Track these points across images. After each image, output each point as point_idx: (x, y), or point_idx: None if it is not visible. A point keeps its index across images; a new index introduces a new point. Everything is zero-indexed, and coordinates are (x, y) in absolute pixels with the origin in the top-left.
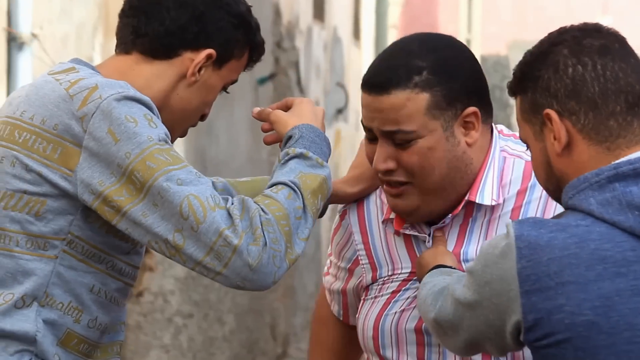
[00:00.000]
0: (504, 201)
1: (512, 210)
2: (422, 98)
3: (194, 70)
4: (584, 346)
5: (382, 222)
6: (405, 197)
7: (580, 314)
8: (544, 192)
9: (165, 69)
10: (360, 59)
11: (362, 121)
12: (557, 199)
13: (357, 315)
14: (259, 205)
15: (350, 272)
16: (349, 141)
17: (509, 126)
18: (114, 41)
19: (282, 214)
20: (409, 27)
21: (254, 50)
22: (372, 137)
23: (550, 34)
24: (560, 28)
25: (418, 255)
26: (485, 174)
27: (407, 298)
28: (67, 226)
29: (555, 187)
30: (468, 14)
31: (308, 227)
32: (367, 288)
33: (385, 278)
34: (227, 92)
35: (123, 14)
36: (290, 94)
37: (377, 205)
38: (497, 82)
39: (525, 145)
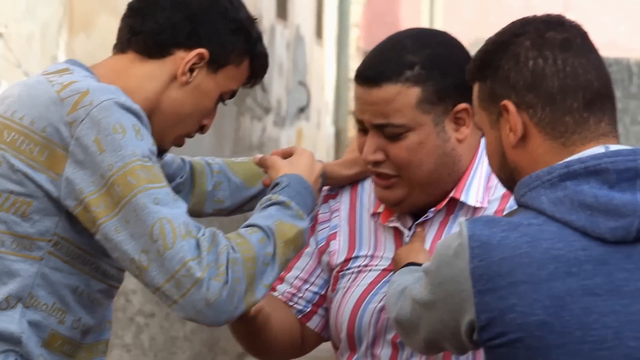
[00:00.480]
0: (488, 203)
1: (495, 213)
2: (413, 92)
3: (184, 69)
4: (536, 346)
5: (372, 215)
6: (392, 189)
7: (532, 313)
8: None
9: (158, 68)
10: (323, 57)
11: (354, 112)
12: (510, 188)
13: (329, 305)
14: (230, 242)
15: (319, 254)
16: (310, 139)
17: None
18: (79, 39)
19: (251, 256)
20: (371, 25)
21: (255, 60)
22: (363, 129)
23: (513, 24)
24: (523, 18)
25: None
26: (473, 173)
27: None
28: (53, 227)
29: (507, 177)
30: (430, 12)
31: (273, 275)
32: (336, 276)
33: (362, 267)
34: (225, 104)
35: (124, 17)
36: (253, 92)
37: (370, 194)
38: None
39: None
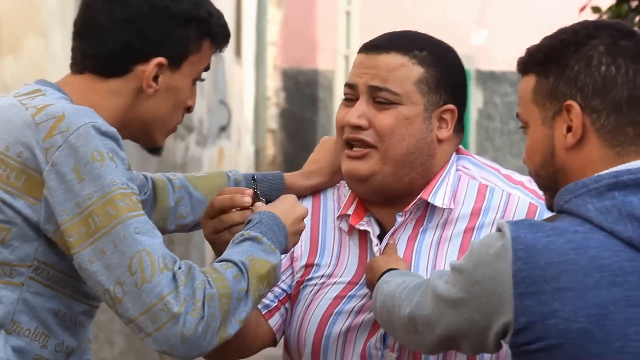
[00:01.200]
0: (457, 219)
1: (465, 230)
2: (417, 70)
3: (148, 82)
4: (576, 353)
5: (338, 217)
6: (365, 160)
7: (575, 321)
8: (497, 215)
9: (121, 85)
10: (242, 76)
11: (346, 84)
12: (545, 187)
13: (290, 313)
14: (206, 277)
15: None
16: (231, 158)
17: None
18: (6, 61)
19: (226, 292)
20: (288, 43)
21: (214, 38)
22: (352, 97)
23: (585, 25)
24: (594, 21)
25: (368, 260)
26: (441, 179)
27: (354, 306)
28: (33, 253)
29: (548, 175)
30: (346, 30)
31: (247, 311)
32: (298, 286)
33: (325, 278)
34: (203, 80)
35: (73, 38)
36: None
37: (335, 200)
38: None
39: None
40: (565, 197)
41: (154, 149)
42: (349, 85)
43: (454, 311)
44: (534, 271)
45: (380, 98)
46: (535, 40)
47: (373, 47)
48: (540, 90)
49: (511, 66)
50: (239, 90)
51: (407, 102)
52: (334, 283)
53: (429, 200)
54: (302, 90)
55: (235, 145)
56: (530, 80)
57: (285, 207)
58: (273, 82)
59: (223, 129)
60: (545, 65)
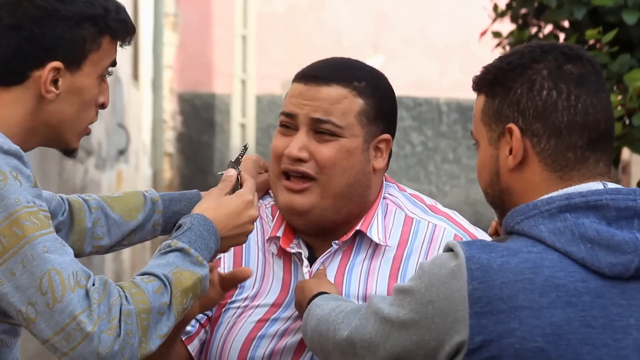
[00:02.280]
0: (385, 248)
1: (393, 259)
2: (358, 102)
3: (46, 87)
4: None
5: (268, 239)
6: (306, 194)
7: (531, 340)
8: (424, 245)
9: (21, 93)
10: (140, 99)
11: (283, 113)
12: (493, 204)
13: (209, 336)
14: (124, 292)
15: None
16: (130, 182)
17: None
18: None
19: (145, 307)
20: (185, 67)
21: (114, 33)
22: (290, 126)
23: (532, 48)
24: (544, 44)
25: (292, 282)
26: (377, 211)
27: (278, 330)
28: None
29: (495, 194)
30: (243, 54)
31: (168, 325)
32: (220, 307)
33: (248, 300)
34: (110, 74)
35: None
36: None
37: (257, 224)
38: (272, 122)
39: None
40: (516, 218)
41: (69, 151)
42: (288, 115)
43: (402, 332)
44: (491, 290)
45: (322, 130)
46: (430, 65)
47: (313, 77)
48: (487, 111)
49: (406, 91)
50: (136, 114)
51: (348, 135)
52: (257, 306)
53: (367, 233)
54: (199, 114)
55: (134, 169)
56: (480, 100)
57: (230, 209)
58: (170, 106)
59: (121, 152)
60: (493, 86)
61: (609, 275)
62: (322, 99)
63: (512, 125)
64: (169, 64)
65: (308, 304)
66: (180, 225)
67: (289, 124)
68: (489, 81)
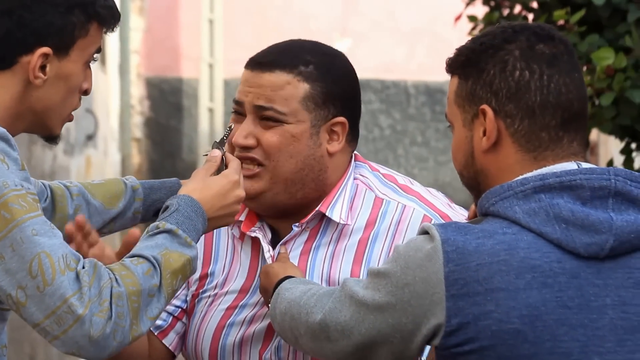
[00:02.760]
0: (351, 231)
1: (359, 242)
2: (302, 87)
3: (35, 73)
4: (507, 354)
5: (232, 223)
6: (255, 179)
7: (508, 321)
8: (391, 227)
9: (8, 78)
10: (108, 84)
11: (234, 100)
12: (469, 186)
13: (187, 327)
14: (114, 274)
15: None
16: (98, 167)
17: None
18: None
19: (135, 289)
20: (152, 51)
21: (102, 20)
22: (239, 112)
23: (504, 28)
24: (515, 24)
25: (259, 267)
26: (339, 193)
27: (246, 317)
28: None
29: (470, 176)
30: (210, 38)
31: (159, 307)
32: (193, 299)
33: (218, 288)
34: (95, 60)
35: None
36: None
37: None
38: None
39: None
40: (491, 200)
41: (52, 137)
42: (236, 102)
43: (377, 315)
44: (466, 272)
45: (266, 116)
46: (398, 48)
47: (257, 64)
48: (461, 92)
49: (375, 74)
50: (104, 99)
51: (293, 121)
52: (226, 293)
53: (326, 214)
54: (166, 99)
55: (102, 154)
56: (453, 82)
57: (217, 189)
58: (137, 91)
59: (90, 137)
60: (465, 68)
61: (584, 255)
62: (264, 85)
63: (485, 107)
64: (135, 49)
65: (275, 287)
66: (167, 207)
67: (238, 110)
68: (462, 63)
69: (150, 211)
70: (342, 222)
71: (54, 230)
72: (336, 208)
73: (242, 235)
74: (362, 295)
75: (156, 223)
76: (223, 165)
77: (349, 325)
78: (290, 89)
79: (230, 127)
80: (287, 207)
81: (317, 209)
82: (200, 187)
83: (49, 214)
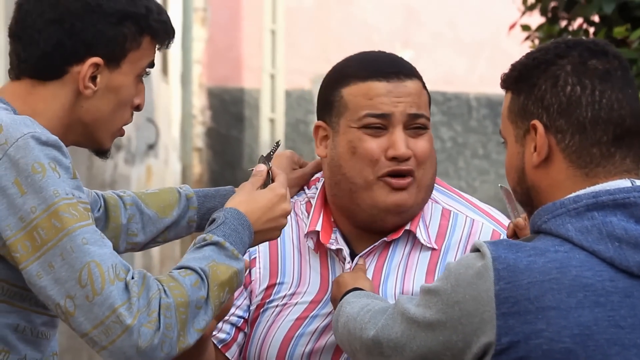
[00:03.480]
0: (422, 244)
1: (432, 253)
2: (425, 93)
3: (84, 83)
4: None
5: (306, 234)
6: (408, 190)
7: (559, 340)
8: (462, 240)
9: (59, 87)
10: (169, 94)
11: (370, 115)
12: (522, 202)
13: (248, 338)
14: (162, 285)
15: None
16: (159, 176)
17: (312, 157)
18: None
19: (184, 300)
20: (214, 62)
21: (155, 33)
22: (382, 127)
23: (558, 44)
24: (570, 40)
25: (330, 278)
26: (430, 210)
27: (317, 327)
28: None
29: (523, 191)
30: (272, 49)
31: (206, 319)
32: (258, 309)
33: (287, 298)
34: (147, 74)
35: (9, 41)
36: None
37: (291, 217)
38: (301, 117)
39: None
40: (543, 217)
41: (101, 152)
42: (379, 116)
43: (428, 333)
44: (517, 291)
45: (417, 124)
46: (459, 60)
47: (394, 74)
48: (513, 108)
49: (436, 86)
50: (166, 109)
51: (429, 126)
52: (296, 303)
53: (416, 234)
54: (227, 109)
55: (163, 164)
56: (507, 98)
57: (263, 203)
58: (199, 101)
59: (151, 147)
60: (518, 83)
61: (638, 274)
62: (412, 93)
63: (536, 122)
64: (198, 59)
65: (341, 299)
66: (214, 220)
67: (381, 124)
68: (515, 78)
69: (204, 219)
70: (426, 244)
71: (104, 240)
72: (421, 227)
73: (317, 246)
74: (414, 313)
75: (203, 235)
76: (269, 180)
77: (401, 342)
78: (424, 94)
79: (277, 143)
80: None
81: (407, 227)
82: (247, 200)
83: (102, 224)
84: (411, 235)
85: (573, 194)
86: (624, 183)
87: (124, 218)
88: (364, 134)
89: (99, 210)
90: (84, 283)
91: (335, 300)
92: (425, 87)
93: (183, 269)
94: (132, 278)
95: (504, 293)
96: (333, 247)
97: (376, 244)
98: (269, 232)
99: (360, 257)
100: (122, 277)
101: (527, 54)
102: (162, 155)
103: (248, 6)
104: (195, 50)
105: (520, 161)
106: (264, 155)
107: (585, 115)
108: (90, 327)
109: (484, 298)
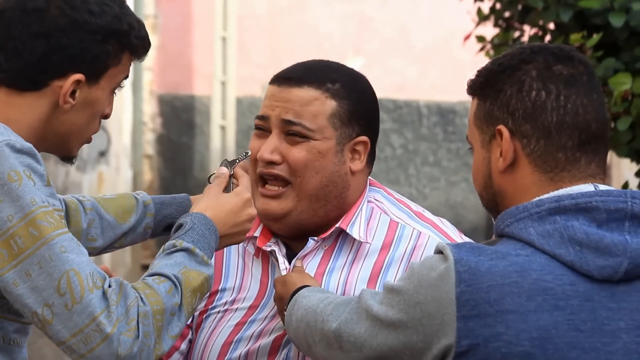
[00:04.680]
0: (367, 252)
1: (374, 264)
2: (330, 104)
3: (65, 98)
4: None
5: (246, 240)
6: (281, 199)
7: (517, 344)
8: (407, 252)
9: (36, 99)
10: (121, 101)
11: (257, 116)
12: (489, 208)
13: (192, 344)
14: (138, 293)
15: None
16: (110, 183)
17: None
18: None
19: (160, 308)
20: (165, 69)
21: (133, 51)
22: (264, 129)
23: (523, 49)
24: (535, 45)
25: (270, 283)
26: (357, 212)
27: (254, 332)
28: None
29: (489, 197)
30: (223, 56)
31: (179, 326)
32: (201, 316)
33: (228, 304)
34: (122, 87)
35: None
36: None
37: None
38: (252, 124)
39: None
40: (506, 221)
41: (68, 158)
42: (261, 117)
43: (390, 332)
44: (478, 294)
45: (293, 132)
46: (411, 67)
47: (285, 79)
48: (479, 113)
49: (387, 93)
50: (117, 115)
51: (319, 137)
52: (236, 309)
53: (347, 230)
54: (178, 116)
55: (114, 170)
56: (473, 104)
57: (229, 207)
58: (150, 108)
59: (102, 154)
60: (484, 89)
61: (598, 278)
62: (292, 100)
63: (501, 127)
64: (148, 66)
65: (292, 295)
66: (181, 225)
67: (262, 126)
68: (481, 84)
69: (160, 226)
70: (361, 239)
71: (80, 248)
72: (355, 226)
73: (258, 251)
74: (377, 310)
75: (172, 241)
76: (231, 184)
77: (362, 338)
78: (318, 105)
79: (246, 153)
80: (309, 225)
81: (337, 225)
82: (213, 205)
83: None
84: (349, 241)
85: (536, 198)
86: (587, 187)
87: (84, 222)
88: (253, 134)
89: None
90: (63, 291)
91: (282, 299)
92: (338, 98)
93: (156, 276)
94: (110, 286)
95: (464, 296)
96: (268, 249)
97: (310, 244)
98: (234, 236)
99: (297, 259)
100: (99, 285)
101: (492, 60)
102: (113, 162)
103: (199, 13)
104: (147, 57)
105: (487, 167)
106: (228, 160)
107: (550, 120)
108: (69, 335)
109: (445, 300)
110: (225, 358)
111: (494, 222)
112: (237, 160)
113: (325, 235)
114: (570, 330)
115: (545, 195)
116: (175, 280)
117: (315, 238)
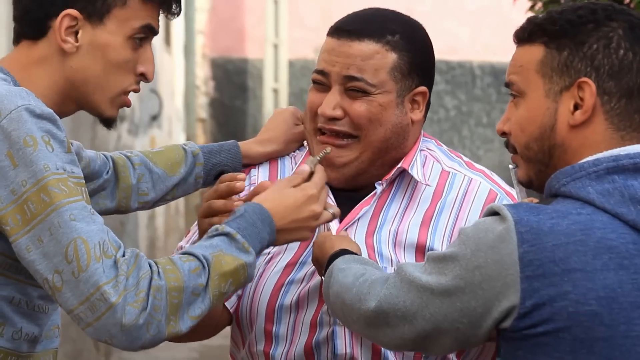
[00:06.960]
0: (420, 198)
1: (426, 210)
2: (391, 57)
3: (61, 36)
4: (583, 337)
5: None
6: (345, 149)
7: (585, 303)
8: (459, 196)
9: (46, 46)
10: (173, 64)
11: (317, 66)
12: (535, 159)
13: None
14: (157, 267)
15: None
16: None
17: None
18: None
19: (178, 285)
20: (216, 32)
21: None
22: (323, 84)
23: (602, 6)
24: (607, 4)
25: (317, 230)
26: (415, 156)
27: (306, 273)
28: None
29: (541, 149)
30: (275, 18)
31: (202, 308)
32: None
33: (277, 247)
34: (144, 38)
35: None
36: None
37: (292, 169)
38: (305, 87)
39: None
40: (562, 180)
41: (105, 119)
42: (320, 72)
43: (443, 300)
44: (542, 253)
45: (355, 88)
46: (463, 28)
47: (345, 32)
48: (550, 62)
49: (439, 54)
50: (169, 80)
51: (381, 91)
52: (286, 249)
53: (408, 170)
54: (231, 79)
55: (166, 134)
56: (535, 51)
57: (290, 202)
58: (202, 71)
59: (154, 118)
60: (559, 38)
61: None
62: (354, 55)
63: (587, 80)
64: (200, 29)
65: (329, 262)
66: (234, 212)
67: (321, 80)
68: (554, 32)
69: (211, 175)
70: (421, 181)
71: (93, 217)
72: (414, 167)
73: None
74: (426, 280)
75: (216, 226)
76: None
77: (411, 311)
78: (379, 58)
79: (327, 151)
80: (365, 178)
81: (399, 165)
82: (273, 198)
83: (112, 185)
84: (402, 185)
85: (592, 157)
86: None
87: (133, 178)
88: (312, 88)
89: (107, 172)
90: (70, 259)
91: (319, 262)
92: (398, 51)
93: (185, 255)
94: (123, 256)
95: (528, 256)
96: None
97: (378, 190)
98: (295, 231)
99: (360, 204)
100: (110, 254)
101: (562, 11)
102: (165, 126)
103: None
104: (198, 20)
105: (551, 118)
106: (313, 158)
107: (635, 81)
108: (77, 303)
109: (507, 261)
110: (278, 300)
111: (514, 179)
112: (320, 159)
113: (389, 177)
114: (634, 290)
115: (601, 155)
116: (203, 260)
117: (381, 181)
